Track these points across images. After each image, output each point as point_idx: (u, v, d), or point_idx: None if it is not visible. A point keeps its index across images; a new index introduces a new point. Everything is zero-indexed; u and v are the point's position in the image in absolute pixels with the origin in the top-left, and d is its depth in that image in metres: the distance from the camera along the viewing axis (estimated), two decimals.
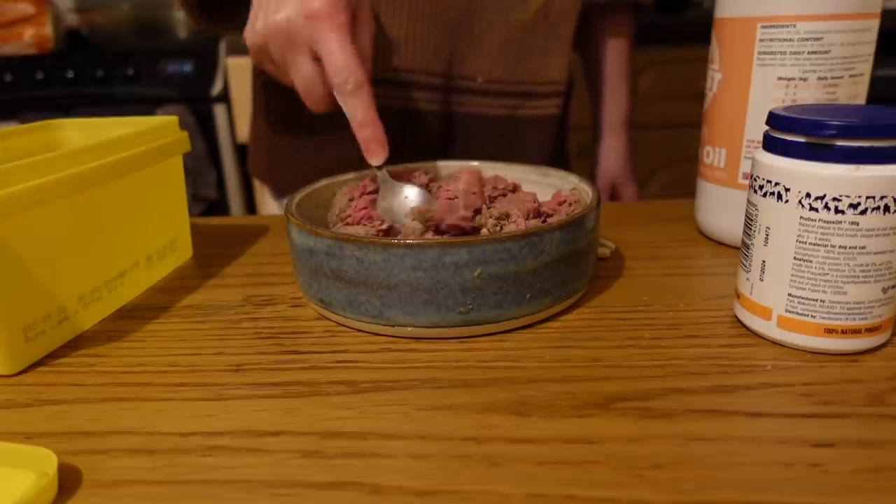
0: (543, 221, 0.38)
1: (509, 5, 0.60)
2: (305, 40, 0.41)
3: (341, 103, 0.41)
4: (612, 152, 0.77)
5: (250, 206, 1.61)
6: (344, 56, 0.39)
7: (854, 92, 0.40)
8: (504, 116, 0.63)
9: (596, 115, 0.78)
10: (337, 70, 0.39)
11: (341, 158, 0.61)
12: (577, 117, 0.87)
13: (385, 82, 0.60)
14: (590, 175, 0.79)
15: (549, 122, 0.66)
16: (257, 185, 1.51)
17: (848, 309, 0.30)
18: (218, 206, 1.56)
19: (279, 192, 0.71)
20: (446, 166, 0.48)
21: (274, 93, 0.65)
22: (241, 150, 1.55)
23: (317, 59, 0.42)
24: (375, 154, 0.41)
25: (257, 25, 0.43)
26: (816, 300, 0.30)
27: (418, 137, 0.62)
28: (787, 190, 0.29)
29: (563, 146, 0.72)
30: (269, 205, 0.73)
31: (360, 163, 0.44)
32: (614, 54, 0.75)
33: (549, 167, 0.45)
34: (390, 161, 0.43)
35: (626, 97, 0.76)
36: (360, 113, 0.40)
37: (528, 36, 0.61)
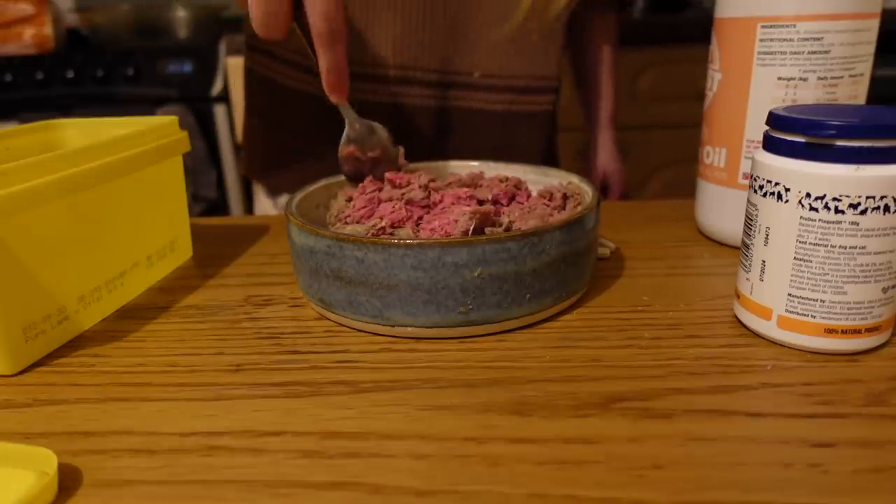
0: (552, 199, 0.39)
1: (501, 12, 0.60)
2: None
3: (319, 48, 0.41)
4: (604, 147, 0.82)
5: (250, 206, 1.61)
6: (333, 4, 0.40)
7: (854, 92, 0.40)
8: (500, 112, 0.64)
9: (586, 113, 0.83)
10: (323, 15, 0.40)
11: (336, 157, 0.61)
12: (573, 118, 0.88)
13: (380, 79, 0.60)
14: (579, 169, 0.82)
15: (542, 117, 0.68)
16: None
17: (848, 309, 0.30)
18: (218, 206, 1.56)
19: (273, 191, 0.71)
20: (447, 166, 0.48)
21: (267, 90, 0.65)
22: (240, 151, 1.55)
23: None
24: (340, 94, 0.44)
25: None
26: (816, 300, 0.30)
27: (414, 132, 0.62)
28: (787, 190, 0.29)
29: (554, 144, 0.74)
30: (264, 203, 0.73)
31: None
32: (603, 54, 0.79)
33: (548, 167, 0.45)
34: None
35: (614, 95, 0.81)
36: (336, 61, 0.42)
37: (523, 33, 0.62)
